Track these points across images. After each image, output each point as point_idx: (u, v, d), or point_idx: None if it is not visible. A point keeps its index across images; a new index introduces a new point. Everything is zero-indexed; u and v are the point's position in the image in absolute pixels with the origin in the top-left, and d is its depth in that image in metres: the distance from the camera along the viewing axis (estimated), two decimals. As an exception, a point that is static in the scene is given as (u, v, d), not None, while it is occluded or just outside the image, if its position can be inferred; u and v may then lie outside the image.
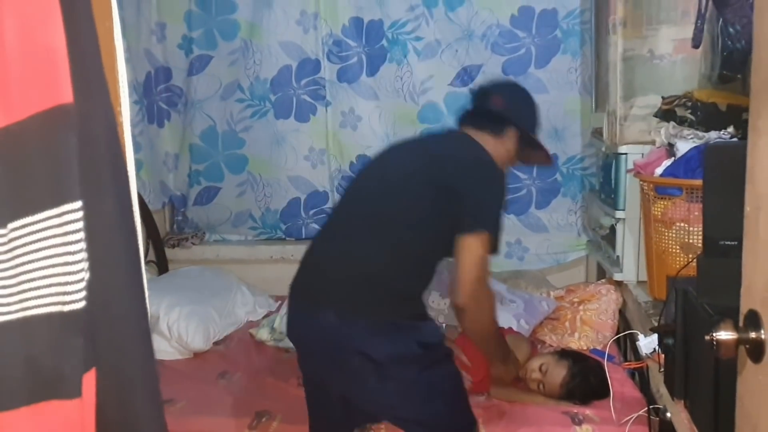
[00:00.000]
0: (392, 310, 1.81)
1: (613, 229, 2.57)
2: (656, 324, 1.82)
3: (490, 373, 2.19)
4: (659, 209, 2.04)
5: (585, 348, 2.53)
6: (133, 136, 3.44)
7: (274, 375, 2.54)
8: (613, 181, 2.50)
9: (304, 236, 3.57)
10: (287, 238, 3.60)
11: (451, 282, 1.84)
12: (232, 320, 2.99)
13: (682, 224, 1.98)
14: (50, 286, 0.66)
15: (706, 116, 2.09)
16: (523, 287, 2.87)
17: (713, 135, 2.02)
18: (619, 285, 2.63)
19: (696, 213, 1.91)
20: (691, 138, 2.05)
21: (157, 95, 3.50)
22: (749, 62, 1.03)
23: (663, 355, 1.67)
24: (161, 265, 3.51)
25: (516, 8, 3.16)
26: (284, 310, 2.87)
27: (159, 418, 0.81)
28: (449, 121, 3.30)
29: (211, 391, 2.42)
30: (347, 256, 1.84)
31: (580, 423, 2.06)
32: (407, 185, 1.86)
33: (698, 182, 1.78)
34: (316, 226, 3.55)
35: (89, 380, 0.70)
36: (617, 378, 2.22)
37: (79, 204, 0.65)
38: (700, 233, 1.51)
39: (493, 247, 1.83)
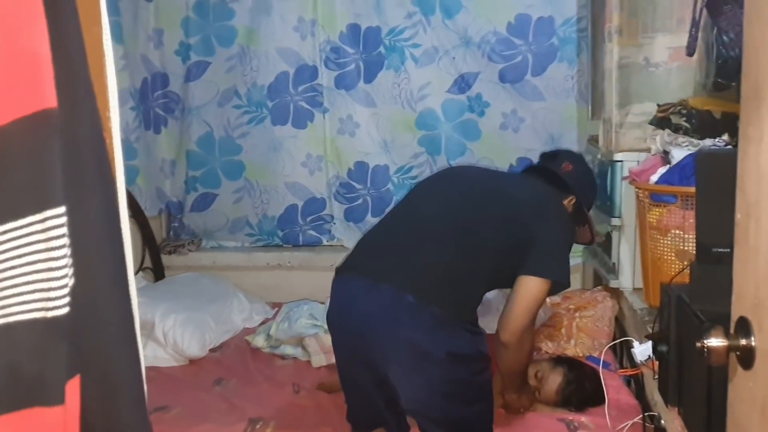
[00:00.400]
0: (460, 312, 1.82)
1: (609, 236, 2.57)
2: (651, 331, 1.81)
3: (502, 396, 2.18)
4: (654, 216, 2.04)
5: (581, 355, 2.52)
6: (130, 143, 3.46)
7: (270, 382, 2.54)
8: (608, 189, 2.50)
9: (301, 243, 3.58)
10: (284, 245, 3.60)
11: (502, 316, 1.89)
12: (228, 327, 2.98)
13: (678, 231, 1.98)
14: (33, 292, 0.65)
15: (701, 124, 2.10)
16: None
17: (708, 142, 2.02)
18: (615, 292, 2.63)
19: (691, 220, 1.90)
20: (686, 145, 2.05)
21: (154, 101, 3.51)
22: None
23: (657, 362, 1.67)
24: (157, 272, 3.51)
25: (513, 16, 3.17)
26: (280, 317, 2.88)
27: (145, 425, 0.81)
28: (447, 128, 3.31)
29: (206, 397, 2.41)
30: (430, 250, 1.85)
31: (575, 430, 2.06)
32: (493, 212, 1.91)
33: (693, 190, 1.77)
34: (314, 233, 3.56)
35: (73, 387, 0.69)
36: (613, 385, 2.22)
37: (62, 209, 0.65)
38: (695, 240, 1.51)
39: (559, 288, 1.95)
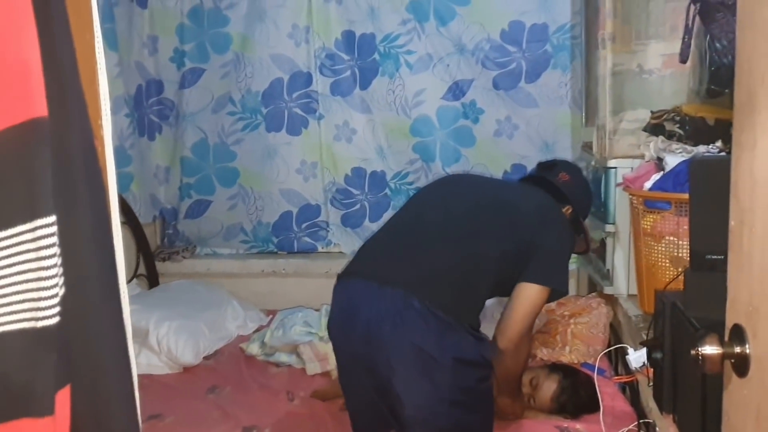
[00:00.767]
0: (464, 317, 1.82)
1: (603, 242, 2.57)
2: (646, 338, 1.81)
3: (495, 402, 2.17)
4: (648, 223, 2.04)
5: (576, 362, 2.51)
6: (124, 149, 3.45)
7: (264, 390, 2.53)
8: (602, 195, 2.50)
9: (296, 250, 3.57)
10: (279, 252, 3.59)
11: (501, 323, 1.90)
12: (223, 334, 2.97)
13: (672, 238, 1.98)
14: (23, 301, 0.65)
15: (694, 130, 2.10)
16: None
17: (702, 149, 2.03)
18: (610, 299, 2.62)
19: (685, 227, 1.90)
20: (680, 152, 2.05)
21: (149, 108, 3.51)
22: (735, 77, 1.04)
23: (652, 369, 1.66)
24: (152, 279, 3.49)
25: (506, 23, 3.18)
26: (274, 324, 2.87)
27: (136, 435, 0.80)
28: (441, 135, 3.32)
29: (200, 405, 2.40)
30: (434, 256, 1.85)
31: (570, 437, 2.06)
32: (496, 219, 1.92)
33: (687, 196, 1.78)
34: (309, 240, 3.55)
35: (63, 397, 0.68)
36: (608, 392, 2.21)
37: (52, 219, 0.65)
38: (689, 247, 1.51)
39: (557, 296, 1.99)
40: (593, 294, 2.80)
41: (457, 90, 3.28)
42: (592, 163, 2.71)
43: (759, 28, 0.90)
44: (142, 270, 3.45)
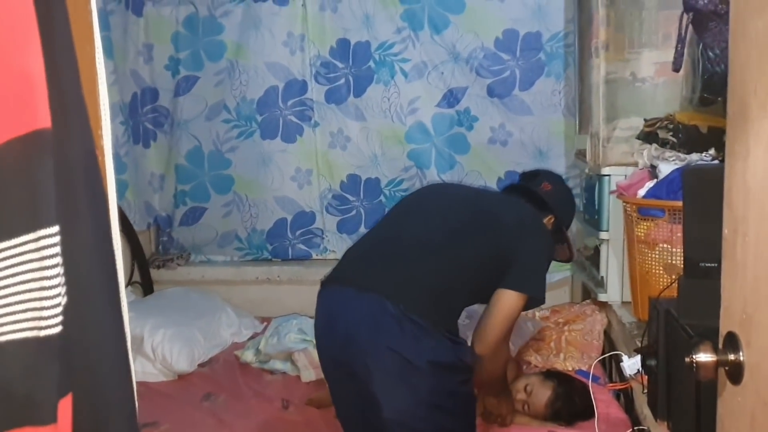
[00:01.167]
0: (442, 322, 1.83)
1: (597, 249, 2.58)
2: (640, 345, 1.82)
3: (483, 402, 2.18)
4: (642, 230, 2.06)
5: (570, 369, 2.52)
6: (119, 157, 3.45)
7: (259, 397, 2.52)
8: (596, 203, 2.52)
9: (290, 257, 3.57)
10: (273, 259, 3.59)
11: (478, 328, 1.92)
12: (217, 342, 2.97)
13: (665, 245, 1.99)
14: (26, 311, 0.65)
15: (687, 138, 2.12)
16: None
17: (695, 157, 2.05)
18: (604, 306, 2.64)
19: (678, 234, 1.92)
20: (673, 160, 2.07)
21: (143, 116, 3.51)
22: (727, 86, 1.05)
23: (646, 376, 1.67)
24: (146, 286, 3.49)
25: (500, 31, 3.20)
26: (269, 332, 2.87)
27: (136, 443, 0.80)
28: (436, 142, 3.33)
29: (195, 413, 2.40)
30: (414, 262, 1.87)
31: (565, 444, 2.06)
32: (476, 227, 1.95)
33: (680, 204, 1.79)
34: (303, 247, 3.56)
35: (65, 406, 0.69)
36: (602, 399, 2.22)
37: (56, 229, 0.65)
38: (683, 255, 1.52)
39: (534, 304, 1.99)
40: (587, 301, 2.82)
41: (451, 97, 3.29)
42: (586, 170, 2.73)
43: (751, 39, 0.92)
44: (136, 277, 3.45)
